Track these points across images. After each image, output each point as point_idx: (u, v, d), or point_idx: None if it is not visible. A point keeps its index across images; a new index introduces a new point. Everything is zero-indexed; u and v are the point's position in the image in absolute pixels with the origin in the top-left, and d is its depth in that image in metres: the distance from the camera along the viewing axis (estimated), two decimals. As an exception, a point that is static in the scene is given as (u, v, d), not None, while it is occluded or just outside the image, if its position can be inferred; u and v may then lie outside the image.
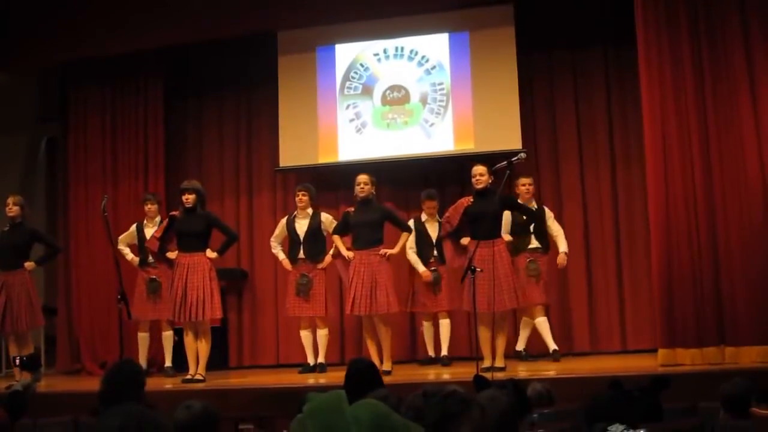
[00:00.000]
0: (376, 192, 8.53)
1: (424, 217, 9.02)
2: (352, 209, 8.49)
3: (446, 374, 8.41)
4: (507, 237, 8.34)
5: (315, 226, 8.93)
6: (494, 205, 7.88)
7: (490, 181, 8.12)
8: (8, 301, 8.82)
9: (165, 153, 10.38)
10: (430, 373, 8.60)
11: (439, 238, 8.76)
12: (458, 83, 9.79)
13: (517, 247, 8.61)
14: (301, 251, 8.92)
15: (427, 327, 9.10)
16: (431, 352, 9.10)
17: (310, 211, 8.99)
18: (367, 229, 8.33)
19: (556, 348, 8.61)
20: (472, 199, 8.19)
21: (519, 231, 8.63)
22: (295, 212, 9.05)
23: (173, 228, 8.53)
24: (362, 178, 8.42)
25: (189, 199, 8.41)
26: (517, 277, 8.42)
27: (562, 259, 8.66)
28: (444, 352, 8.97)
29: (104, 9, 9.51)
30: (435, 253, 8.87)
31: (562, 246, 8.67)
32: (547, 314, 8.75)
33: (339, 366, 8.72)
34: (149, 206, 9.34)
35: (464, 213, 8.18)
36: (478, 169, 8.16)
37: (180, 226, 8.48)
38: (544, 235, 8.68)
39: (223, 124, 10.72)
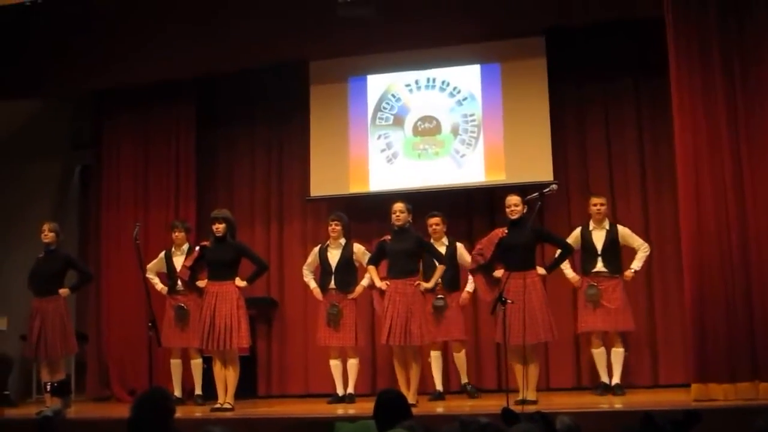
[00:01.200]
0: (412, 220, 8.48)
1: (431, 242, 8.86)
2: (388, 237, 8.42)
3: (473, 406, 8.34)
4: (541, 270, 8.23)
5: (347, 256, 8.92)
6: (527, 236, 7.85)
7: (524, 212, 8.07)
8: (42, 327, 8.85)
9: (196, 181, 10.46)
10: (453, 405, 8.49)
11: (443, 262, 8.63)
12: (489, 114, 9.79)
13: (583, 269, 8.57)
14: (332, 281, 8.90)
15: (434, 357, 8.91)
16: (439, 386, 8.92)
17: (342, 241, 8.98)
18: (403, 258, 8.27)
19: (605, 381, 8.47)
20: (506, 230, 8.12)
21: (584, 252, 8.57)
22: (328, 242, 9.04)
23: (204, 258, 8.54)
24: (398, 206, 8.36)
25: (219, 228, 8.43)
26: (577, 301, 8.55)
27: (626, 274, 8.51)
28: (464, 380, 8.95)
29: (137, 37, 9.58)
30: (440, 281, 8.69)
31: (635, 263, 8.52)
32: (624, 344, 8.57)
33: (370, 396, 8.63)
34: (177, 234, 9.38)
35: (497, 244, 8.13)
36: (513, 200, 8.11)
37: (210, 255, 8.49)
38: (614, 257, 8.51)
39: (255, 153, 10.78)
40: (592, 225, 8.60)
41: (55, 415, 6.16)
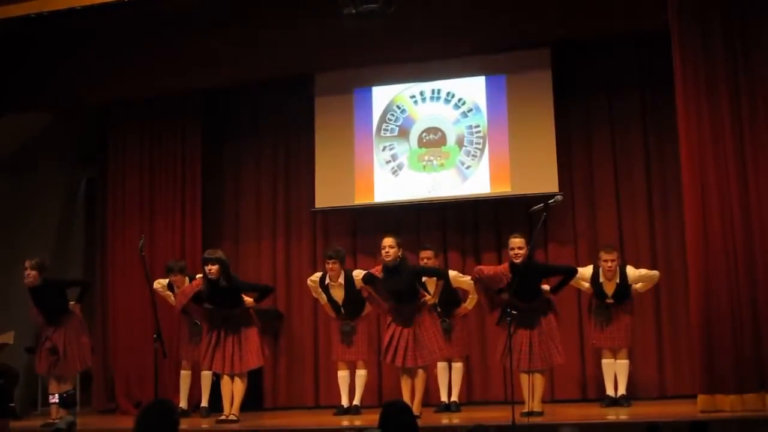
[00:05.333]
0: (404, 248, 8.28)
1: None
2: (380, 274, 8.20)
3: (479, 418, 8.32)
4: (546, 287, 8.17)
5: (351, 290, 8.78)
6: (531, 280, 7.82)
7: (527, 254, 7.86)
8: (55, 344, 8.69)
9: (202, 194, 10.44)
10: (458, 417, 8.47)
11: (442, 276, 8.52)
12: (495, 126, 9.79)
13: (595, 294, 8.56)
14: (342, 311, 8.89)
15: (441, 368, 8.85)
16: (444, 397, 8.89)
17: (342, 279, 8.82)
18: (403, 295, 8.11)
19: (611, 395, 8.45)
20: (510, 273, 7.91)
21: (594, 293, 8.55)
22: (328, 280, 8.86)
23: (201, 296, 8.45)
24: (387, 241, 8.09)
25: (212, 270, 8.20)
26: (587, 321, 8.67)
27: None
28: (454, 397, 8.85)
29: (144, 51, 9.61)
30: (438, 309, 8.62)
31: (639, 286, 8.51)
32: (630, 357, 8.55)
33: (376, 408, 8.57)
34: (173, 278, 9.22)
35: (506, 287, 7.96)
36: (516, 242, 7.92)
37: (208, 299, 8.37)
38: (624, 297, 8.45)
39: (260, 165, 10.79)
40: (602, 277, 8.48)
41: (69, 427, 6.14)
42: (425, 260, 8.74)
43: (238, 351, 8.23)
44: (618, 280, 8.45)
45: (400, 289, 8.10)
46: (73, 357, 8.78)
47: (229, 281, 8.28)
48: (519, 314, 7.55)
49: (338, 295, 8.86)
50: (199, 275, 8.74)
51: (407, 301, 8.12)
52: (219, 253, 8.42)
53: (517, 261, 7.89)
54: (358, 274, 8.76)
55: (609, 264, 8.41)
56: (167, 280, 9.31)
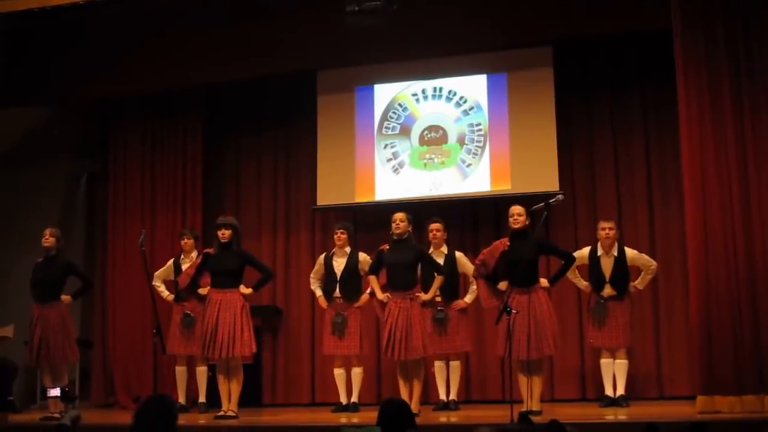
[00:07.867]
0: (412, 231, 8.37)
1: (431, 249, 8.75)
2: (387, 247, 8.32)
3: (477, 416, 8.31)
4: (545, 282, 8.11)
5: (352, 265, 8.91)
6: (530, 250, 7.74)
7: (527, 222, 7.98)
8: (44, 334, 8.76)
9: (203, 190, 10.45)
10: (457, 415, 8.47)
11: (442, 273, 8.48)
12: (496, 124, 9.79)
13: (592, 288, 8.53)
14: (337, 289, 8.90)
15: (438, 368, 8.86)
16: (442, 396, 8.87)
17: (348, 249, 8.99)
18: (402, 270, 8.15)
19: (610, 395, 8.43)
20: (508, 242, 8.00)
21: (591, 276, 8.53)
22: (333, 250, 9.05)
23: (207, 265, 8.52)
24: (399, 215, 8.24)
25: (225, 234, 8.37)
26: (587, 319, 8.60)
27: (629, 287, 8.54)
28: (453, 396, 8.84)
29: (145, 46, 9.62)
30: (439, 293, 8.59)
31: (638, 282, 8.50)
32: (629, 357, 8.50)
33: (374, 405, 8.56)
34: (185, 241, 9.38)
35: (501, 256, 8.05)
36: (516, 209, 7.96)
37: (214, 263, 8.44)
38: (622, 282, 8.41)
39: (262, 162, 10.79)
40: (600, 251, 8.48)
41: (73, 423, 6.11)
42: (434, 232, 8.78)
43: (229, 338, 8.20)
44: (616, 255, 8.42)
45: (404, 261, 8.12)
46: (58, 349, 8.78)
47: (239, 247, 8.46)
48: (516, 305, 7.50)
49: (339, 267, 8.93)
50: (207, 250, 8.71)
51: (405, 287, 8.09)
52: (233, 219, 8.61)
53: (516, 227, 7.90)
54: (365, 256, 8.87)
55: (607, 231, 8.41)
56: (170, 261, 9.42)
